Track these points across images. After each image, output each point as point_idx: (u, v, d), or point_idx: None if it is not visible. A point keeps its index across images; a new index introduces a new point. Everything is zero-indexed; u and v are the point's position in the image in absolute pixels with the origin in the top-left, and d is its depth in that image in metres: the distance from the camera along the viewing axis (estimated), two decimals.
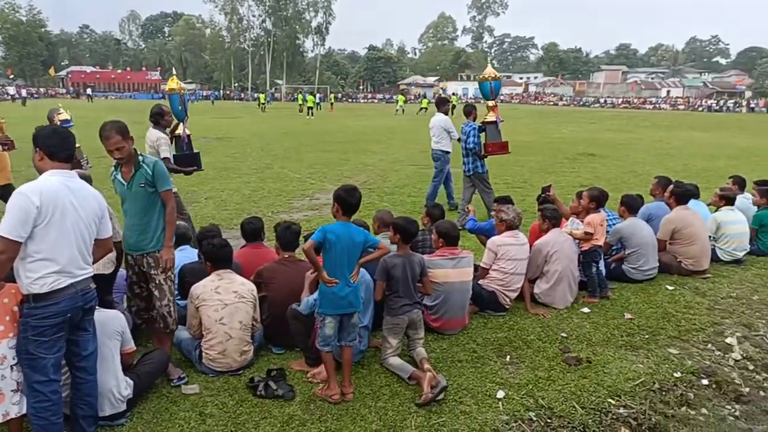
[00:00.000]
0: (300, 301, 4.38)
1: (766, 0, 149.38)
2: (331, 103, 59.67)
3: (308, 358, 4.46)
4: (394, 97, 79.04)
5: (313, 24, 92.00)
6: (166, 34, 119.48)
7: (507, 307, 5.54)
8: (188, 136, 7.46)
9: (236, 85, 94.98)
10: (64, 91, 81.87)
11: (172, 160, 6.93)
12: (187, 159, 7.37)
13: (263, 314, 4.69)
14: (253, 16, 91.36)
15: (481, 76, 8.80)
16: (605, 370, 4.58)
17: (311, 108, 43.15)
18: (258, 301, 4.56)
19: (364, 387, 4.19)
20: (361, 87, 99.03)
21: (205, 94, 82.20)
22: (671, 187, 7.09)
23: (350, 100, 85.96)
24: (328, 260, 3.94)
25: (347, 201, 4.00)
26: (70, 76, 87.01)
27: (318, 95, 56.31)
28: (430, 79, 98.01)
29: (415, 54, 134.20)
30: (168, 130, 7.17)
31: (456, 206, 9.76)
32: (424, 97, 61.54)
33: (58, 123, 7.29)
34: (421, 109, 49.86)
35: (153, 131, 6.96)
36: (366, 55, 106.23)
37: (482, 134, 8.92)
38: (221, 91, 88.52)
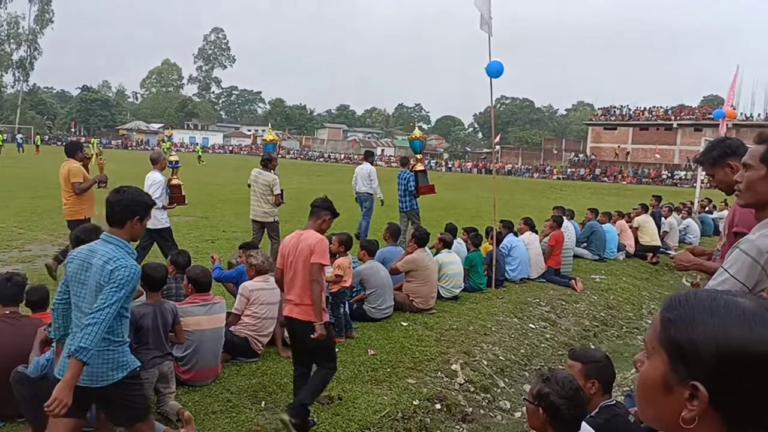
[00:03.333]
0: (27, 363, 3.76)
1: (456, 78, 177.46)
2: (37, 146, 53.23)
3: (35, 426, 3.82)
4: (113, 142, 75.15)
5: (15, 57, 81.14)
6: None
7: (259, 352, 5.48)
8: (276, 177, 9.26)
9: None
10: None
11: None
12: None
13: None
14: None
15: (411, 136, 11.44)
16: (355, 406, 4.80)
17: None
18: None
19: None
20: (73, 129, 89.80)
21: None
22: (413, 231, 7.87)
23: (60, 143, 77.36)
24: None
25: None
26: None
27: (19, 136, 51.78)
28: (155, 126, 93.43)
29: (137, 99, 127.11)
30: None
31: (357, 236, 11.11)
32: (197, 145, 65.15)
33: (168, 165, 8.22)
34: (199, 157, 49.61)
35: (266, 173, 9.04)
36: (79, 96, 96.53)
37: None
38: None
